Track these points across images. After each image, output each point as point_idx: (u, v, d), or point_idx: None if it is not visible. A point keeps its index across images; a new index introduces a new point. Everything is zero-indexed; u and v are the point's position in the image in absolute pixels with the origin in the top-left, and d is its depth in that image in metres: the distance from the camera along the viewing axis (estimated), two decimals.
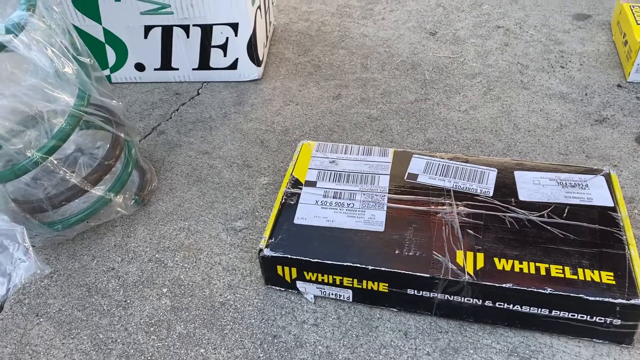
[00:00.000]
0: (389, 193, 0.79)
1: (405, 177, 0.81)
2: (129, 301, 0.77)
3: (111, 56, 1.15)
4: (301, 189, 0.81)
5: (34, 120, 0.76)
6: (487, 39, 1.28)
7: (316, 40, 1.31)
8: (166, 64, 1.15)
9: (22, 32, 0.69)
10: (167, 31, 1.10)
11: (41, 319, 0.76)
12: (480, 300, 0.69)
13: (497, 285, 0.67)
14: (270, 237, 0.74)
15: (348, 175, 0.82)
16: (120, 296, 0.78)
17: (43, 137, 0.77)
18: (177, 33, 1.11)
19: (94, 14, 1.08)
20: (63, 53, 0.73)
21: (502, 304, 0.68)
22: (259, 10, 1.15)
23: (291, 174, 0.84)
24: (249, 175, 0.97)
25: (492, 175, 0.81)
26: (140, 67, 1.16)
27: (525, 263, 0.69)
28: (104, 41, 1.12)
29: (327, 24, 1.36)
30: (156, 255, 0.84)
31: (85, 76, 0.77)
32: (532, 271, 0.68)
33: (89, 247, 0.85)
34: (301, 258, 0.72)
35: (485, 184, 0.79)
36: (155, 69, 1.17)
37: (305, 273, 0.73)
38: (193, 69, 1.16)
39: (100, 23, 1.09)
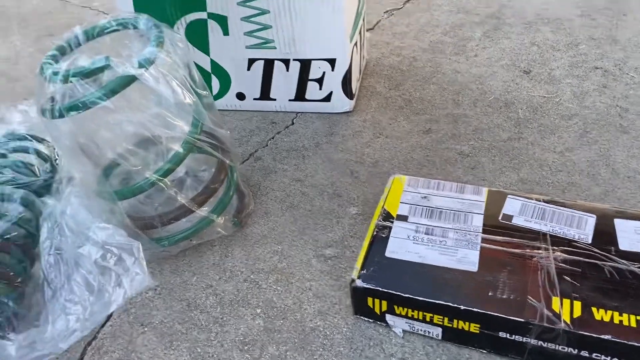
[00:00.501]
0: (482, 233, 0.79)
1: (499, 218, 0.81)
2: (225, 318, 0.82)
3: (215, 85, 1.23)
4: (393, 222, 0.83)
5: (154, 145, 0.84)
6: (584, 79, 1.25)
7: (407, 75, 1.33)
8: (265, 94, 1.22)
9: (151, 66, 0.77)
10: (269, 64, 1.17)
11: (145, 329, 0.82)
12: (576, 350, 0.67)
13: (595, 335, 0.65)
14: (362, 269, 0.77)
15: (440, 212, 0.84)
16: (217, 313, 0.83)
17: (160, 160, 0.84)
18: (278, 66, 1.17)
19: (204, 47, 1.17)
20: (184, 85, 0.80)
21: (599, 355, 0.66)
22: (355, 46, 1.19)
23: (382, 207, 0.87)
24: (339, 204, 1.00)
25: (590, 221, 0.79)
26: (241, 96, 1.24)
27: (625, 315, 0.67)
28: (210, 71, 1.20)
29: (419, 60, 1.38)
30: (251, 276, 0.88)
31: (200, 106, 0.84)
32: (633, 324, 0.66)
33: (190, 263, 0.91)
34: (392, 292, 0.73)
35: (584, 230, 0.78)
36: (254, 99, 1.23)
37: (395, 307, 0.75)
38: (289, 100, 1.22)
39: (209, 55, 1.18)
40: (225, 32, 1.14)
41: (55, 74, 0.74)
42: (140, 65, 0.75)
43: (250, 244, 0.94)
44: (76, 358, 0.79)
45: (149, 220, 0.87)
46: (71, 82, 0.74)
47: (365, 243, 0.81)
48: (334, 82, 1.17)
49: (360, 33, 1.25)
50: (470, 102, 1.22)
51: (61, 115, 0.75)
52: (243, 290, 0.86)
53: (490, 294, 0.71)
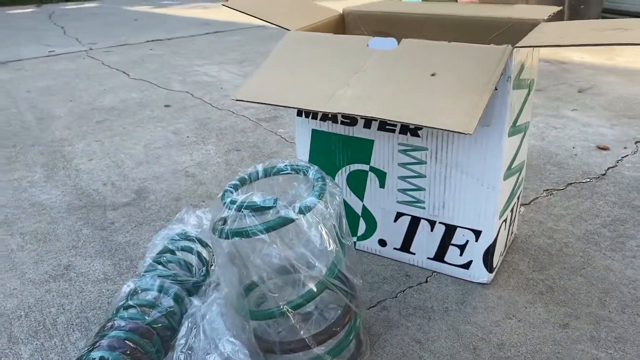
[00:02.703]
0: None
1: None
2: None
3: (362, 228, 1.32)
4: None
5: (292, 278, 0.93)
6: None
7: (555, 260, 1.30)
8: (406, 246, 1.28)
9: (308, 212, 0.88)
10: (415, 221, 1.24)
11: None
12: None
13: None
14: None
15: None
16: None
17: (294, 292, 0.92)
18: (423, 225, 1.23)
19: (360, 193, 1.28)
20: (331, 233, 0.90)
21: None
22: (504, 223, 1.22)
23: None
24: None
25: None
26: (382, 242, 1.31)
27: None
28: (360, 214, 1.31)
29: (570, 247, 1.35)
30: None
31: (340, 254, 0.92)
32: None
33: None
34: None
35: None
36: (394, 248, 1.30)
37: None
38: (428, 258, 1.26)
39: (362, 200, 1.29)
40: (382, 185, 1.24)
41: (233, 202, 0.89)
42: (300, 212, 0.87)
43: None
44: None
45: (271, 344, 0.94)
46: (242, 212, 0.88)
47: None
48: (475, 252, 1.19)
49: (512, 210, 1.27)
50: (619, 305, 1.14)
51: (227, 237, 0.88)
52: None
53: None
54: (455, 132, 0.86)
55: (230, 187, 0.97)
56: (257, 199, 0.89)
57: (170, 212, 1.58)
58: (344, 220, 0.94)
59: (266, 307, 0.97)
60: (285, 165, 1.00)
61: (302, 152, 1.33)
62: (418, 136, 1.15)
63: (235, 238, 0.87)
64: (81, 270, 1.33)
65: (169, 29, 4.05)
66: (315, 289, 0.91)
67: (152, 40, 3.76)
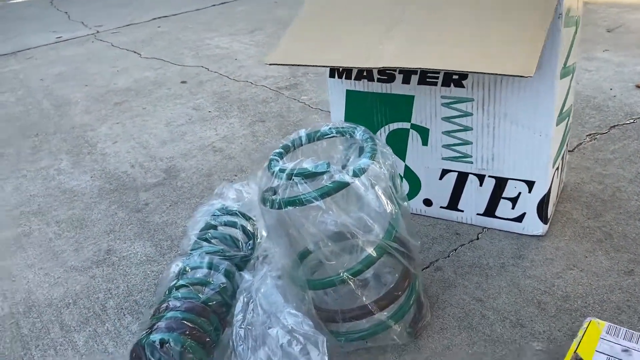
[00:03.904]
0: None
1: None
2: None
3: (405, 188, 1.27)
4: None
5: (349, 244, 0.89)
6: None
7: (609, 206, 1.25)
8: (453, 204, 1.23)
9: (362, 174, 0.83)
10: (462, 177, 1.19)
11: None
12: None
13: None
14: None
15: None
16: None
17: (353, 259, 0.89)
18: (471, 180, 1.18)
19: (401, 153, 1.23)
20: (387, 194, 0.85)
21: None
22: (556, 171, 1.16)
23: (574, 352, 0.80)
24: (521, 335, 0.95)
25: None
26: (428, 202, 1.26)
27: None
28: (402, 175, 1.26)
29: (624, 191, 1.29)
30: None
31: (398, 215, 0.88)
32: None
33: None
34: None
35: None
36: (441, 207, 1.25)
37: None
38: (477, 214, 1.22)
39: (404, 161, 1.24)
40: (425, 143, 1.19)
41: (282, 171, 0.85)
42: (355, 174, 0.82)
43: (422, 357, 0.93)
44: None
45: (332, 313, 0.91)
46: (293, 180, 0.83)
47: None
48: (529, 203, 1.14)
49: (562, 158, 1.21)
50: None
51: (279, 207, 0.84)
52: None
53: None
54: (516, 76, 0.80)
55: (275, 155, 0.92)
56: (307, 165, 0.84)
57: (204, 189, 1.54)
58: (398, 180, 0.89)
59: (320, 276, 0.94)
60: (330, 128, 0.95)
61: (336, 115, 1.28)
62: (462, 87, 1.09)
63: (288, 207, 0.83)
64: (122, 253, 1.31)
65: (173, 4, 3.96)
66: (375, 254, 0.87)
67: (159, 18, 3.67)
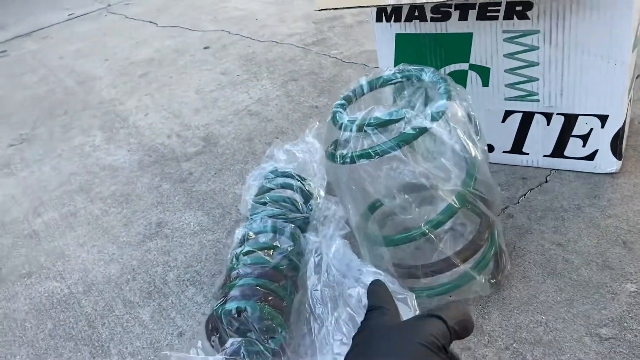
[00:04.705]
0: None
1: None
2: None
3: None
4: None
5: (423, 195, 0.84)
6: None
7: None
8: (517, 147, 1.16)
9: (441, 118, 0.77)
10: (527, 117, 1.11)
11: None
12: None
13: None
14: None
15: None
16: None
17: (431, 212, 0.83)
18: (537, 119, 1.11)
19: None
20: (468, 137, 0.79)
21: None
22: (630, 102, 1.08)
23: None
24: (612, 278, 0.89)
25: None
26: (489, 147, 1.19)
27: None
28: None
29: None
30: (513, 345, 0.82)
31: (479, 160, 0.82)
32: None
33: None
34: None
35: None
36: (504, 152, 1.18)
37: None
38: (544, 156, 1.15)
39: None
40: (485, 84, 1.11)
41: (351, 122, 0.79)
42: (433, 118, 0.76)
43: (508, 308, 0.88)
44: None
45: (413, 269, 0.87)
46: (365, 131, 0.77)
47: None
48: (601, 139, 1.07)
49: (634, 87, 1.13)
50: None
51: (352, 161, 0.78)
52: (505, 358, 0.80)
53: None
54: None
55: (338, 107, 0.86)
56: (379, 113, 0.78)
57: (247, 154, 1.49)
58: (477, 122, 0.83)
59: (391, 230, 0.89)
60: (394, 73, 0.88)
61: (385, 63, 1.20)
62: (527, 18, 1.00)
63: (362, 161, 0.78)
64: (174, 225, 1.27)
65: None
66: (457, 203, 0.81)
67: None
